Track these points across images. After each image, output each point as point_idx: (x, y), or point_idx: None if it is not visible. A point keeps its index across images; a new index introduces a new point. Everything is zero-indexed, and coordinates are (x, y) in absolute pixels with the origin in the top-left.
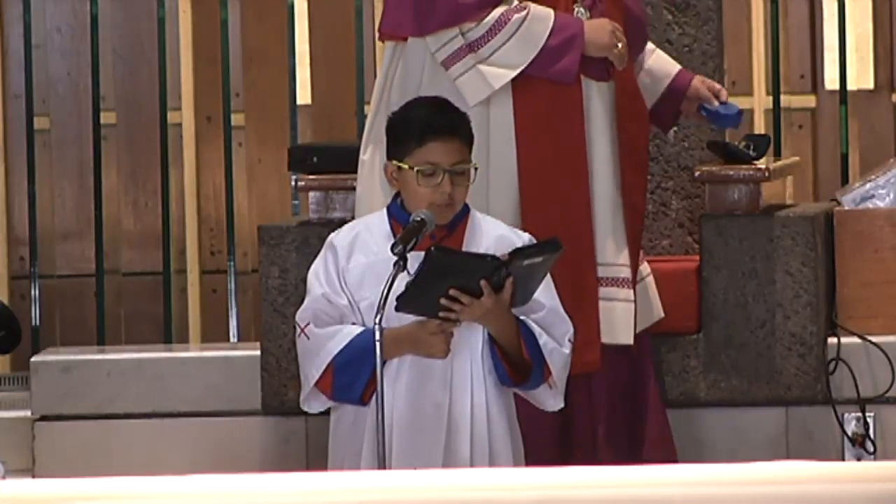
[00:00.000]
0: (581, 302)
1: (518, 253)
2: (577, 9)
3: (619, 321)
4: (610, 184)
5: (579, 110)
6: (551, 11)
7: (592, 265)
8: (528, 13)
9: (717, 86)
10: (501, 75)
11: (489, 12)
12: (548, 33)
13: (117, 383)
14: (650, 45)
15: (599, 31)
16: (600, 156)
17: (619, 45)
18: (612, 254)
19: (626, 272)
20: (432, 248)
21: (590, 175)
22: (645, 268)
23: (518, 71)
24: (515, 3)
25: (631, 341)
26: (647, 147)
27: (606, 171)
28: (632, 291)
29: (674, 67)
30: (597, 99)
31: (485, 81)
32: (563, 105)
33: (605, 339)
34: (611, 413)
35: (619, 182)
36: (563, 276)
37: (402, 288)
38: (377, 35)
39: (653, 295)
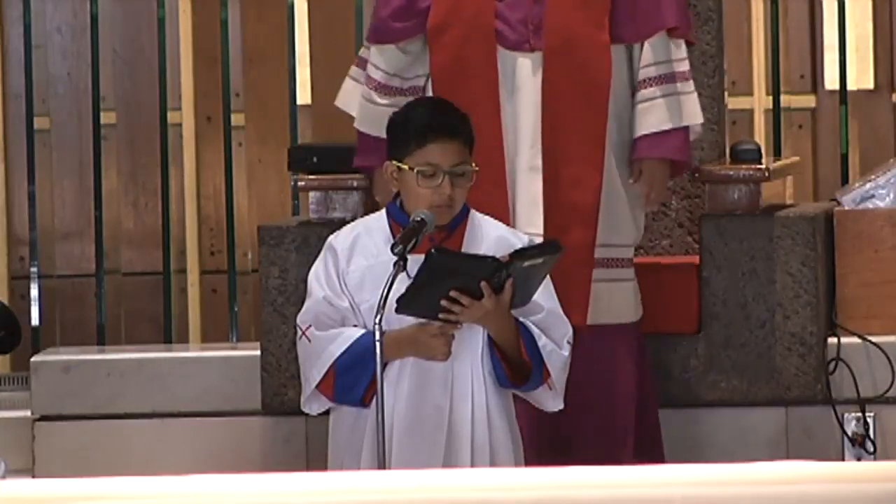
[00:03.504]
0: None
1: (518, 254)
2: None
3: None
4: (530, 154)
5: (493, 77)
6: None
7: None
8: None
9: (645, 193)
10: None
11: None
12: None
13: (117, 383)
14: (650, 92)
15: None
16: (525, 125)
17: None
18: (525, 223)
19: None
20: (433, 250)
21: (510, 145)
22: (627, 273)
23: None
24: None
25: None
26: (602, 120)
27: (530, 140)
28: None
29: (647, 128)
30: (523, 70)
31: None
32: (475, 72)
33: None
34: (576, 410)
35: (546, 153)
36: None
37: (403, 289)
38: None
39: (622, 294)
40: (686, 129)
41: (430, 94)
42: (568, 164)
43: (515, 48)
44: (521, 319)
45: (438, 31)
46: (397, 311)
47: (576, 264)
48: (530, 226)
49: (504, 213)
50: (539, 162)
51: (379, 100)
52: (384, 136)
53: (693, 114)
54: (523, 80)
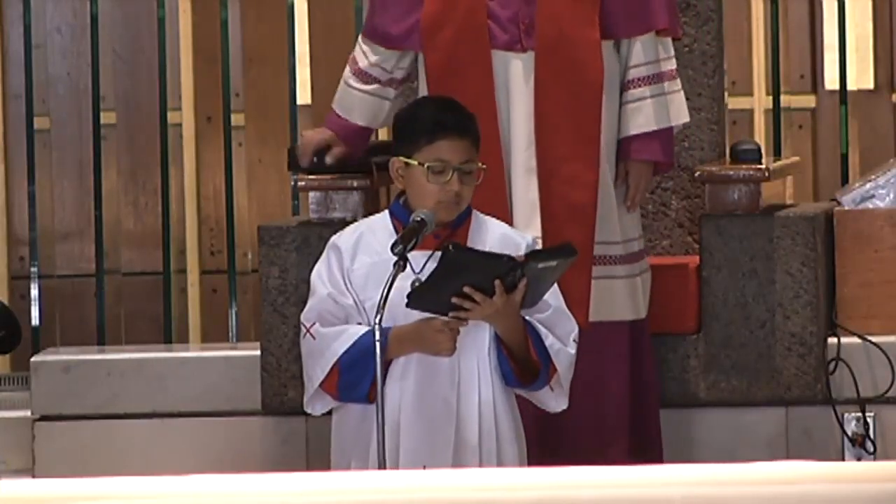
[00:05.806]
0: None
1: (534, 255)
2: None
3: None
4: (526, 156)
5: (488, 77)
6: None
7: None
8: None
9: (631, 195)
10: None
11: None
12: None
13: (117, 383)
14: (640, 92)
15: None
16: (519, 126)
17: None
18: (523, 225)
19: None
20: (450, 246)
21: (505, 147)
22: (617, 270)
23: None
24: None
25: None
26: (595, 118)
27: (525, 142)
28: None
29: (635, 129)
30: (515, 70)
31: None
32: (469, 72)
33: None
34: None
35: (540, 153)
36: None
37: (404, 288)
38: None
39: (612, 292)
40: (671, 128)
41: (423, 90)
42: (563, 163)
43: (508, 48)
44: (527, 318)
45: (431, 30)
46: (408, 305)
47: (574, 265)
48: (528, 228)
49: (504, 216)
50: (535, 163)
51: (355, 84)
52: (353, 120)
53: (680, 113)
54: (516, 82)
